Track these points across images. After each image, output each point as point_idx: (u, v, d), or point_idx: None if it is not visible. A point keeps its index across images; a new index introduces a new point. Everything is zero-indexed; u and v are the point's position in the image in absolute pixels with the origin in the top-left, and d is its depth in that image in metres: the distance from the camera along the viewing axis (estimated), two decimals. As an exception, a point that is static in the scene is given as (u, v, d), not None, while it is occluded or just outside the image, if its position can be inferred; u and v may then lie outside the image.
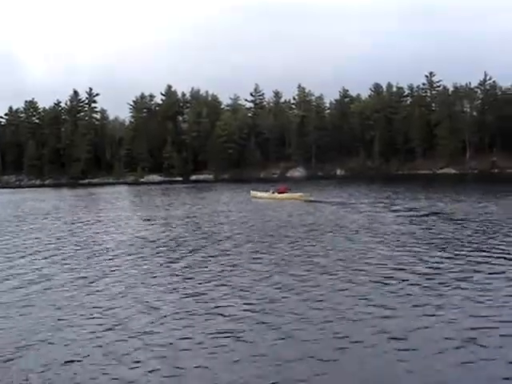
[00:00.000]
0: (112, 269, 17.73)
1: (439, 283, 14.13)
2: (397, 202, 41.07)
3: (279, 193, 51.53)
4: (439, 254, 18.37)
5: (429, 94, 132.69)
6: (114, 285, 15.19)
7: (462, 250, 18.79)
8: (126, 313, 12.30)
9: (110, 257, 20.06)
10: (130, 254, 20.38)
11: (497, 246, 19.34)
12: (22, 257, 20.74)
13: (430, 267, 16.22)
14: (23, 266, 18.77)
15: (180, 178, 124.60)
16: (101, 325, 11.50)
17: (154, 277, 16.11)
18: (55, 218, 36.73)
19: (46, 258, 20.06)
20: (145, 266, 17.83)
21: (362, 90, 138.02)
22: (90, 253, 21.04)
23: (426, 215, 30.70)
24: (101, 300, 13.52)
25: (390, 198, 46.18)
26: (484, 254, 18.10)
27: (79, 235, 26.89)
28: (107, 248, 22.12)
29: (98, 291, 14.48)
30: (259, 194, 53.81)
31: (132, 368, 9.24)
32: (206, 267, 17.43)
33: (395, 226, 26.57)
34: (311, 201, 46.04)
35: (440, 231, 23.86)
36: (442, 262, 16.84)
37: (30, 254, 21.16)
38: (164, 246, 22.17)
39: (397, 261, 17.36)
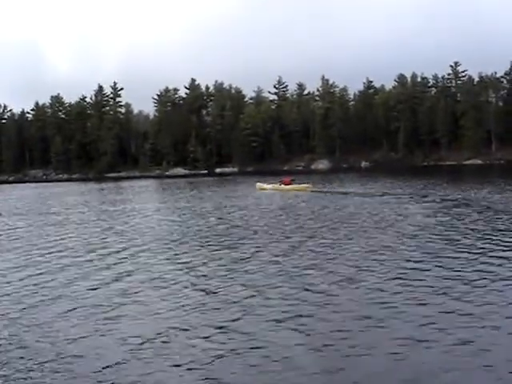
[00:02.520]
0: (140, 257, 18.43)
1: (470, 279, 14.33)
2: (407, 192, 41.90)
3: (285, 184, 52.33)
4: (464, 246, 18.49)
5: (454, 84, 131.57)
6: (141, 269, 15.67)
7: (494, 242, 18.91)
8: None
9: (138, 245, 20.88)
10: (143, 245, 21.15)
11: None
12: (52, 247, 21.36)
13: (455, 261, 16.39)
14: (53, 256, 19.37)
15: (205, 171, 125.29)
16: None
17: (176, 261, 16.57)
18: (94, 210, 37.39)
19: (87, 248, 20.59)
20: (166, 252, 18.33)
21: (386, 80, 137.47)
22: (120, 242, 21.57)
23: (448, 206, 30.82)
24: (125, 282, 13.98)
25: (405, 188, 46.92)
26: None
27: (113, 225, 27.46)
28: (138, 236, 22.72)
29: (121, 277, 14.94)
30: (265, 185, 54.64)
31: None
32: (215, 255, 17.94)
33: (401, 217, 27.19)
34: (317, 191, 47.19)
35: (468, 223, 23.93)
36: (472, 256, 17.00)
37: (66, 248, 21.65)
38: (185, 237, 22.65)
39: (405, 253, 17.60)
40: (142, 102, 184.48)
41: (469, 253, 17.35)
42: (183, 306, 12.59)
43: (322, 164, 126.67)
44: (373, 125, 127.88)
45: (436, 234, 21.34)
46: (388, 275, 14.74)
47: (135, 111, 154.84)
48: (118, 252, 20.34)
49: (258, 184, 56.61)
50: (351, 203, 36.03)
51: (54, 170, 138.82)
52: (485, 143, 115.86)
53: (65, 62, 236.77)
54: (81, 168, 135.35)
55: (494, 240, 19.51)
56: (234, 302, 12.69)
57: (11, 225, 31.17)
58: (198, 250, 20.19)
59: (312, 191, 48.05)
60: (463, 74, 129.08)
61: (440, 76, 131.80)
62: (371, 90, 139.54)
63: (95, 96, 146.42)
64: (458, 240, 19.84)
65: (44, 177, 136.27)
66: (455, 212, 28.71)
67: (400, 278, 14.29)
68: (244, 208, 35.65)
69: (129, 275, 16.16)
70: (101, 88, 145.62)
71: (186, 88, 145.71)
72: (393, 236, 21.33)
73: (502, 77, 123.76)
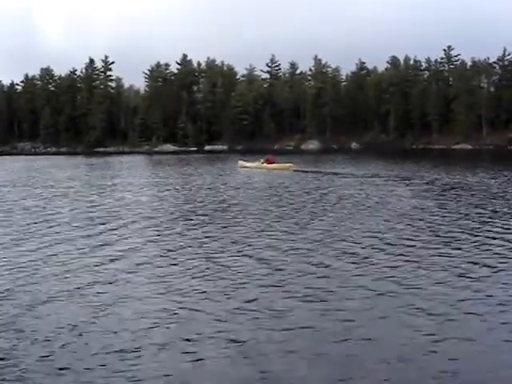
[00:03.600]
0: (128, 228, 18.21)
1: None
2: (386, 174, 42.10)
3: (268, 163, 52.31)
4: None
5: (446, 68, 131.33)
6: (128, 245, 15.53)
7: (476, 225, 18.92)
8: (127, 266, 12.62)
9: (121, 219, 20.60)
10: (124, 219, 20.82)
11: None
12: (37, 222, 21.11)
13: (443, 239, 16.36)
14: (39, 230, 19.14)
15: (194, 148, 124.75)
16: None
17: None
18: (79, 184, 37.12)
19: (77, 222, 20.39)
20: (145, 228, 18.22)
21: (379, 63, 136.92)
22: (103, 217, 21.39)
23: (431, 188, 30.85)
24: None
25: (387, 169, 47.21)
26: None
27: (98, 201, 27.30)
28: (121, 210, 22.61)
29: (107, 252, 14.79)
30: (248, 164, 54.70)
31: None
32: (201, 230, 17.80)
33: (377, 198, 27.50)
34: (300, 171, 47.54)
35: (450, 209, 23.96)
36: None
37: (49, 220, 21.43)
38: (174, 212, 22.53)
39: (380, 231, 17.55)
40: (132, 77, 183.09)
41: (462, 233, 17.40)
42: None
43: (312, 144, 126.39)
44: (364, 106, 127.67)
45: (427, 216, 21.39)
46: (379, 256, 14.69)
47: (126, 85, 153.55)
48: (103, 225, 20.35)
49: (240, 162, 56.84)
50: (333, 183, 36.30)
51: (42, 143, 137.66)
52: (475, 128, 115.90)
53: (56, 35, 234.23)
54: (69, 142, 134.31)
55: (490, 222, 19.76)
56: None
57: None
58: (179, 227, 20.09)
59: (295, 170, 48.44)
60: (456, 58, 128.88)
61: (433, 60, 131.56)
62: (364, 72, 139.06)
63: (86, 69, 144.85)
64: (447, 222, 19.91)
65: (32, 149, 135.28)
66: (444, 194, 28.92)
67: (392, 260, 14.23)
68: (228, 186, 35.65)
69: (113, 255, 15.97)
70: (92, 61, 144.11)
71: (177, 64, 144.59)
72: (381, 218, 21.27)
73: (494, 62, 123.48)
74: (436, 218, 21.17)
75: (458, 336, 9.23)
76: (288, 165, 51.53)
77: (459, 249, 15.60)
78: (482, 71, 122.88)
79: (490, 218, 21.05)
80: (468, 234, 17.81)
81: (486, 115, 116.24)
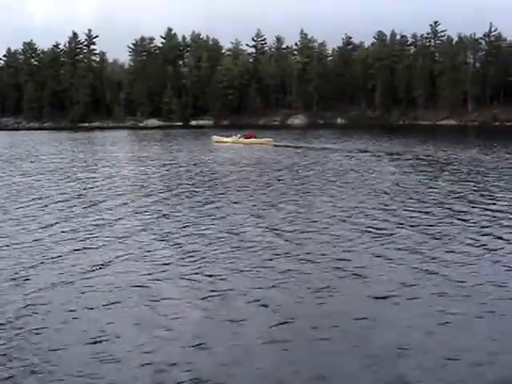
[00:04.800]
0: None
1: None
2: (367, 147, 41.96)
3: (246, 138, 52.06)
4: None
5: (432, 44, 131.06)
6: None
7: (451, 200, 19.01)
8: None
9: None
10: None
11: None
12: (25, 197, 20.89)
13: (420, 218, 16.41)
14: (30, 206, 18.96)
15: (180, 123, 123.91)
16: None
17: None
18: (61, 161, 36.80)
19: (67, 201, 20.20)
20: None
21: (365, 38, 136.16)
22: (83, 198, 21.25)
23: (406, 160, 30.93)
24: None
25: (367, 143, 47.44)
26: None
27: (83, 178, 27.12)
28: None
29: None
30: (224, 139, 54.32)
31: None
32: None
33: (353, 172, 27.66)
34: (281, 146, 47.57)
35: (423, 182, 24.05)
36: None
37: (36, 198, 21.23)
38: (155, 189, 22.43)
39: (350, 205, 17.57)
40: (117, 51, 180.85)
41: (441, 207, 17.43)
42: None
43: (298, 119, 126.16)
44: (350, 82, 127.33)
45: (411, 192, 21.52)
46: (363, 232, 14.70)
47: (110, 60, 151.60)
48: (88, 200, 20.23)
49: (215, 137, 56.46)
50: (314, 158, 36.43)
51: (25, 118, 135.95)
52: (461, 104, 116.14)
53: (39, 8, 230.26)
54: (53, 117, 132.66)
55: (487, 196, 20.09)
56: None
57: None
58: (160, 203, 20.01)
59: (274, 145, 48.18)
60: (442, 34, 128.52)
61: (419, 35, 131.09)
62: (350, 47, 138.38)
63: (69, 43, 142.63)
64: (429, 198, 19.99)
65: (15, 125, 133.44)
66: (432, 169, 29.34)
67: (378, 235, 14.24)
68: (205, 162, 35.62)
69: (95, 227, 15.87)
70: (75, 35, 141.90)
71: (162, 38, 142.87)
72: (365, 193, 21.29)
73: (480, 38, 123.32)
74: (429, 192, 21.39)
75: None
76: (266, 139, 51.19)
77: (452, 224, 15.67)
78: (468, 47, 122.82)
79: (486, 191, 21.33)
80: (462, 206, 17.98)
81: (471, 91, 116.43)
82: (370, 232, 14.72)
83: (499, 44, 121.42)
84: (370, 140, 56.77)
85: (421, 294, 10.06)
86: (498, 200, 19.46)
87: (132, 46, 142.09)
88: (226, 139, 54.02)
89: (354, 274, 11.20)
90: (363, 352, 7.87)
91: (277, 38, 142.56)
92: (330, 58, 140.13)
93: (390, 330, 8.62)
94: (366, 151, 41.55)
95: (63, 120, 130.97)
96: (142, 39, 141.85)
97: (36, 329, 8.63)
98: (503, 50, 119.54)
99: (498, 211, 17.36)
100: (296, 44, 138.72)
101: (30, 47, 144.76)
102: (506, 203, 18.83)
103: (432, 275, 11.00)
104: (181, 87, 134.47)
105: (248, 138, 52.15)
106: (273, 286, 10.53)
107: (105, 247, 13.48)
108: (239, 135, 53.37)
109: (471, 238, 13.89)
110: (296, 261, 12.13)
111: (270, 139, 51.01)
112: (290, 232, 14.87)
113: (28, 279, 10.97)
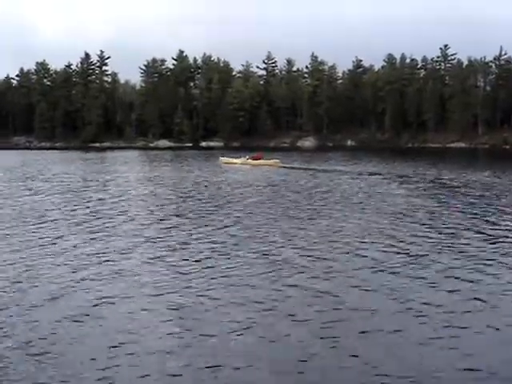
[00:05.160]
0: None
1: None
2: (378, 170, 41.88)
3: (254, 159, 52.37)
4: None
5: (443, 67, 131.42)
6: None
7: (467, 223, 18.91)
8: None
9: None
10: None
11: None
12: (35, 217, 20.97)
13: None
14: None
15: (190, 144, 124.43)
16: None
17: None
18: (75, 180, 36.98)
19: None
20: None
21: (375, 61, 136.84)
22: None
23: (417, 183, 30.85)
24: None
25: (380, 166, 47.12)
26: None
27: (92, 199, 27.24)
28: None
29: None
30: (233, 160, 54.50)
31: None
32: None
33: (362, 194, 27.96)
34: (288, 167, 47.80)
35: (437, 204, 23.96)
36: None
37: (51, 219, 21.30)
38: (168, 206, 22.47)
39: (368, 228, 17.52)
40: (128, 72, 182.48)
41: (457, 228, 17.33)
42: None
43: (308, 141, 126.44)
44: (360, 105, 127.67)
45: (422, 214, 21.48)
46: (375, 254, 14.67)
47: (122, 81, 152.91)
48: (99, 220, 20.21)
49: (223, 158, 56.61)
50: (324, 180, 36.53)
51: (37, 137, 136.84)
52: (471, 127, 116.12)
53: (52, 29, 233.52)
54: (65, 136, 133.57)
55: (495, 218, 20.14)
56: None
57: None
58: (174, 222, 20.04)
59: (280, 167, 48.49)
60: (452, 57, 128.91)
61: (429, 58, 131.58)
62: (360, 70, 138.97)
63: (81, 63, 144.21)
64: (449, 221, 19.95)
65: (27, 144, 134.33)
66: (444, 193, 29.21)
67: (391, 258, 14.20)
68: (212, 182, 35.75)
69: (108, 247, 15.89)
70: (87, 56, 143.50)
71: (173, 59, 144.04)
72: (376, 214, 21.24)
73: (490, 61, 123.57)
74: (439, 216, 21.22)
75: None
76: (273, 161, 51.70)
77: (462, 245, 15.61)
78: (479, 70, 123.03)
79: (493, 214, 21.27)
80: (469, 230, 17.90)
81: (481, 115, 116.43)
82: (391, 252, 14.77)
83: (509, 67, 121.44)
84: (380, 163, 56.77)
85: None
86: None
87: (144, 68, 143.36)
88: (234, 160, 54.27)
89: (381, 293, 11.26)
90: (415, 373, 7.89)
91: (287, 61, 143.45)
92: (340, 80, 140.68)
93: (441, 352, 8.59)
94: (376, 174, 41.52)
95: (74, 140, 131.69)
96: (154, 61, 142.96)
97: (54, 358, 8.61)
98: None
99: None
100: (306, 67, 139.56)
101: (42, 67, 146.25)
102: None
103: (457, 293, 10.96)
104: (192, 109, 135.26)
105: (256, 160, 52.54)
106: (308, 305, 10.57)
107: (127, 269, 13.45)
108: (247, 156, 53.79)
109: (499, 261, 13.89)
110: (330, 282, 12.18)
111: (277, 161, 51.56)
112: (315, 252, 14.89)
113: (41, 306, 10.93)
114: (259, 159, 52.78)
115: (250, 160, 52.70)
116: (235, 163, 53.03)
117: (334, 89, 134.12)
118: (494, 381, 7.72)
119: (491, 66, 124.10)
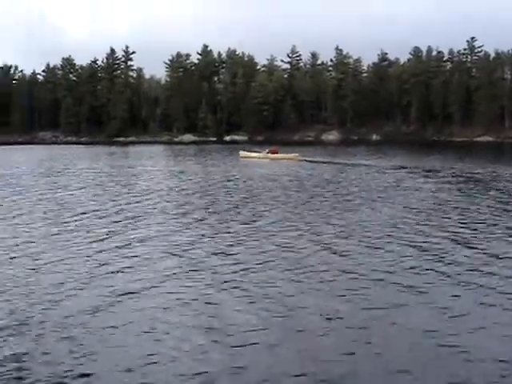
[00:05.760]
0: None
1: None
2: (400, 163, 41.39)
3: (272, 153, 52.48)
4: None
5: (469, 60, 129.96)
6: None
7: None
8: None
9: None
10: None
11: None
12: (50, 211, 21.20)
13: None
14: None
15: (214, 139, 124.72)
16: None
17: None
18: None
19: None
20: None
21: (401, 54, 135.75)
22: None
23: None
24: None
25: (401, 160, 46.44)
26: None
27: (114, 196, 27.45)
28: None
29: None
30: (252, 154, 54.51)
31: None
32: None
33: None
34: (308, 161, 48.23)
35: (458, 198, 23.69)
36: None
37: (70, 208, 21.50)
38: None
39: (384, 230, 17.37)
40: (153, 67, 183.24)
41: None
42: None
43: (333, 135, 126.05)
44: (386, 98, 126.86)
45: (456, 210, 21.20)
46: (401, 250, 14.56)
47: (147, 76, 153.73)
48: (125, 214, 20.35)
49: (242, 152, 56.70)
50: (349, 174, 36.45)
51: (62, 132, 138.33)
52: (497, 120, 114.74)
53: (77, 25, 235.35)
54: (90, 131, 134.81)
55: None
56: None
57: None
58: (196, 216, 20.11)
59: (300, 160, 48.63)
60: (479, 49, 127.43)
61: (456, 51, 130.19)
62: (385, 63, 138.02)
63: (107, 59, 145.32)
64: (478, 218, 19.55)
65: (53, 139, 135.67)
66: (473, 188, 28.70)
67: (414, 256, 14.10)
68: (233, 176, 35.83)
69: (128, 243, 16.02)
70: (113, 51, 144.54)
71: (198, 54, 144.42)
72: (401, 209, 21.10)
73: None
74: (468, 212, 20.76)
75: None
76: (293, 155, 51.93)
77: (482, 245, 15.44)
78: (506, 63, 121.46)
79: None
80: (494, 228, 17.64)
81: (508, 107, 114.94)
82: (420, 249, 14.56)
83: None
84: (406, 156, 56.37)
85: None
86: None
87: (168, 62, 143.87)
88: (253, 154, 54.48)
89: (411, 289, 11.16)
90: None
91: (312, 54, 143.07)
92: (365, 74, 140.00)
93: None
94: (402, 167, 41.21)
95: (100, 135, 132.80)
96: (179, 55, 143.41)
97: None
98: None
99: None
100: (331, 60, 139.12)
101: (68, 63, 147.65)
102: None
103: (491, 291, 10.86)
104: (216, 103, 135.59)
105: (273, 154, 52.83)
106: (339, 303, 10.45)
107: (155, 263, 13.52)
108: (267, 150, 54.06)
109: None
110: (359, 278, 12.02)
111: (297, 154, 51.78)
112: (342, 249, 14.69)
113: (73, 295, 11.06)
114: (276, 153, 53.06)
115: (269, 154, 52.93)
116: (254, 157, 53.20)
117: (359, 82, 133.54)
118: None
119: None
